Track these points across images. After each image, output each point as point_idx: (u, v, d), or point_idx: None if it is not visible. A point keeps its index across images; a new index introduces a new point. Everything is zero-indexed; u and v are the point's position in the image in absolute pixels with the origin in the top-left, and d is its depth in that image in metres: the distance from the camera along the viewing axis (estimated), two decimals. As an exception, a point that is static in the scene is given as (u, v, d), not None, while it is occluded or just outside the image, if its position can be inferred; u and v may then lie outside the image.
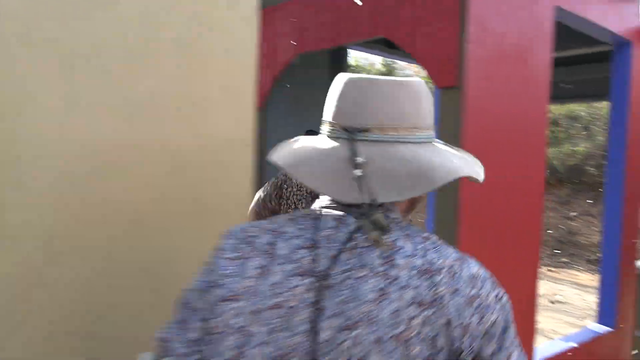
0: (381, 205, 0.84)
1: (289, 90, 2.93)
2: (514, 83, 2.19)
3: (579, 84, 4.12)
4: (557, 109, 12.48)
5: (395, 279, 0.77)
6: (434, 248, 0.82)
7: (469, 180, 1.02)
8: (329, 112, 0.90)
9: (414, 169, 0.82)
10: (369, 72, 16.15)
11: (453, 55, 1.98)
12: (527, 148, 2.30)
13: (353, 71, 15.75)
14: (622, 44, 3.01)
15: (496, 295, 0.80)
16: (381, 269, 0.78)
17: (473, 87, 1.99)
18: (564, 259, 9.64)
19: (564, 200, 11.07)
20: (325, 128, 0.91)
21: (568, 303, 7.19)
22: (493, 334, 0.77)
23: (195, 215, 1.36)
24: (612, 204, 2.94)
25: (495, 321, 0.78)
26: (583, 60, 3.84)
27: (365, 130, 0.84)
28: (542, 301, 7.24)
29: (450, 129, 2.00)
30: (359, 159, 0.81)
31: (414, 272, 0.77)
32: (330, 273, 0.78)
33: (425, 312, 0.75)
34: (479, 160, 0.96)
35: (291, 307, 0.78)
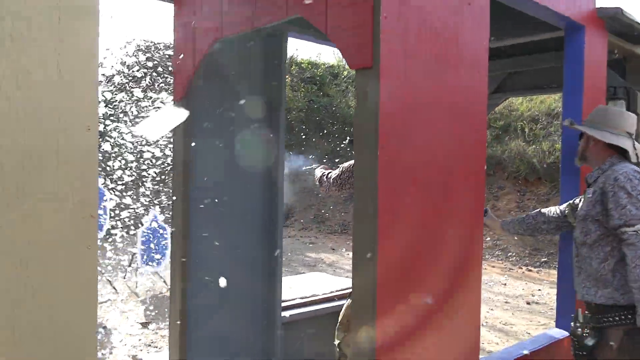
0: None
1: (217, 80, 2.70)
2: (443, 65, 1.98)
3: (531, 75, 3.91)
4: (536, 106, 12.35)
5: None
6: None
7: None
8: (617, 124, 2.39)
9: None
10: (319, 67, 15.98)
11: (367, 32, 1.76)
12: (462, 138, 2.08)
13: (300, 65, 15.57)
14: (574, 29, 2.82)
15: None
16: None
17: (390, 67, 1.77)
18: (543, 259, 9.47)
19: (544, 198, 10.91)
20: (616, 131, 2.36)
21: (545, 304, 7.01)
22: None
23: (28, 210, 1.12)
24: (569, 197, 2.73)
25: None
26: (535, 49, 3.64)
27: (632, 134, 2.39)
28: (518, 302, 7.05)
29: (366, 115, 1.78)
30: (637, 145, 2.36)
31: None
32: None
33: None
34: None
35: None
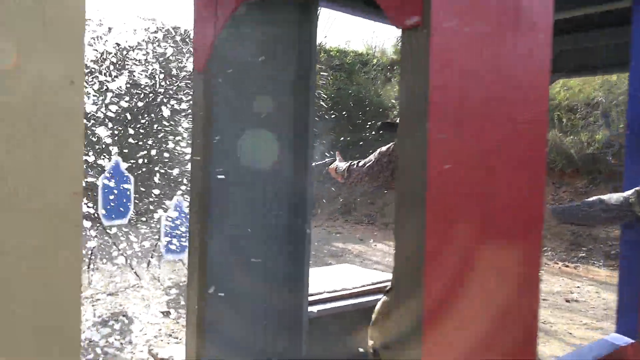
0: None
1: (241, 51, 2.45)
2: (502, 27, 1.68)
3: (588, 53, 3.54)
4: (573, 95, 11.81)
5: None
6: None
7: None
8: None
9: None
10: (348, 55, 15.62)
11: (417, -16, 1.48)
12: (520, 115, 1.79)
13: (328, 53, 15.19)
14: (645, -5, 2.48)
15: None
16: None
17: (443, 28, 1.49)
18: (581, 254, 9.03)
19: (582, 191, 10.43)
20: None
21: (585, 302, 6.63)
22: None
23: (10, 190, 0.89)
24: (634, 184, 2.41)
25: None
26: (593, 24, 3.27)
27: None
28: (557, 300, 6.68)
29: (414, 82, 1.50)
30: None
31: None
32: None
33: None
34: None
35: None
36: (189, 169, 2.46)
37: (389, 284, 2.93)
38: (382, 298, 2.57)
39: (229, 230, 2.49)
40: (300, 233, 2.75)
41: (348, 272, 3.68)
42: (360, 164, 2.85)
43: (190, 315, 2.39)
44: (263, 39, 2.55)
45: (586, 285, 7.41)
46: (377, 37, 23.37)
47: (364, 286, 3.22)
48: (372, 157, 2.82)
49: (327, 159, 3.08)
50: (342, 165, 2.92)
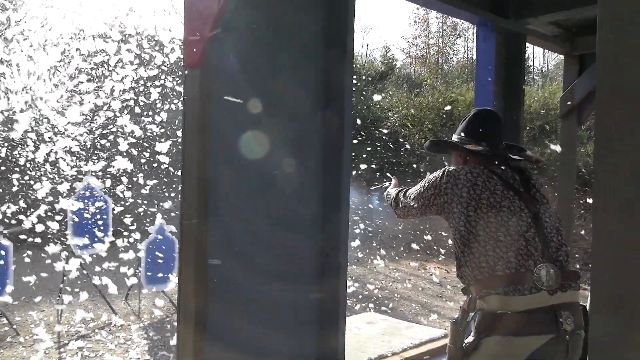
0: None
1: (251, 40, 1.73)
2: None
3: None
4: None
5: None
6: None
7: None
8: None
9: None
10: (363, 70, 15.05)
11: None
12: None
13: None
14: None
15: None
16: None
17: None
18: (596, 275, 8.41)
19: (591, 207, 9.85)
20: None
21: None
22: None
23: None
24: None
25: None
26: None
27: None
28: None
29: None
30: None
31: None
32: None
33: None
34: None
35: None
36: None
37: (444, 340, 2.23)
38: None
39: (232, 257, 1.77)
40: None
41: (376, 323, 2.95)
42: (407, 193, 2.18)
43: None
44: (286, 21, 1.84)
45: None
46: (367, 47, 22.82)
47: (405, 350, 2.48)
48: (419, 186, 2.14)
49: (384, 183, 2.43)
50: (392, 192, 2.27)
